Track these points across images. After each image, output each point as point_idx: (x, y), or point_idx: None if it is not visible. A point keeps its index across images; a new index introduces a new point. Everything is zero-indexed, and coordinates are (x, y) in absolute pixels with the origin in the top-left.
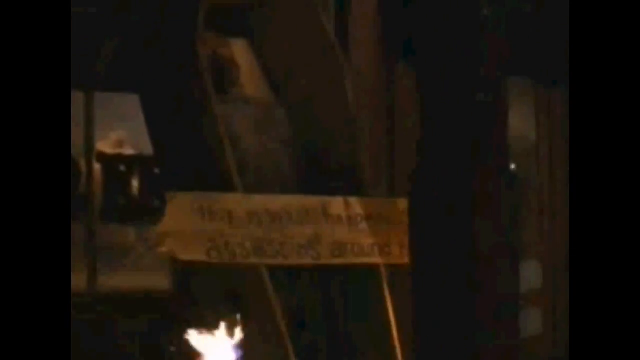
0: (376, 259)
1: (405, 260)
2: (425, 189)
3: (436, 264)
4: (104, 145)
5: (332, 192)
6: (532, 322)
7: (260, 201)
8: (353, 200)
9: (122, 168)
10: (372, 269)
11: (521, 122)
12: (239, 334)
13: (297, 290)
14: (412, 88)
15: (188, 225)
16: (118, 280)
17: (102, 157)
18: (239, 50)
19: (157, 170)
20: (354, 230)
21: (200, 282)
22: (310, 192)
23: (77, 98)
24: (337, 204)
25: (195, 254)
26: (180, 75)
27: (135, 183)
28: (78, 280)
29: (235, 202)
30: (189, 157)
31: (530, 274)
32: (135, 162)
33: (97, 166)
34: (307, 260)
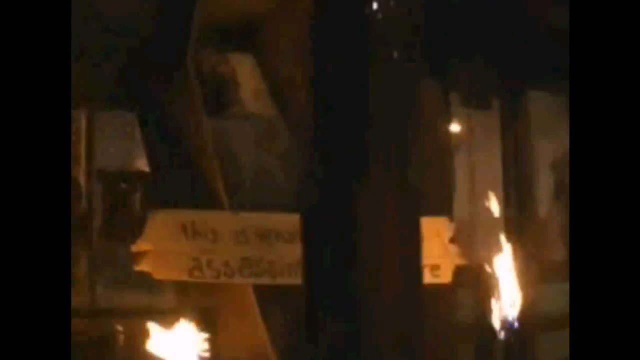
0: None
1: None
2: (316, 202)
3: (325, 282)
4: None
5: None
6: (559, 345)
7: (248, 219)
8: None
9: (124, 185)
10: None
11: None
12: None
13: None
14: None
15: (169, 244)
16: (119, 297)
17: (103, 175)
18: (244, 66)
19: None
20: None
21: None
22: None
23: (79, 116)
24: None
25: (175, 274)
26: (172, 93)
27: (137, 200)
28: (78, 298)
29: (221, 220)
30: (179, 176)
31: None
32: (137, 179)
33: (98, 183)
34: (297, 280)
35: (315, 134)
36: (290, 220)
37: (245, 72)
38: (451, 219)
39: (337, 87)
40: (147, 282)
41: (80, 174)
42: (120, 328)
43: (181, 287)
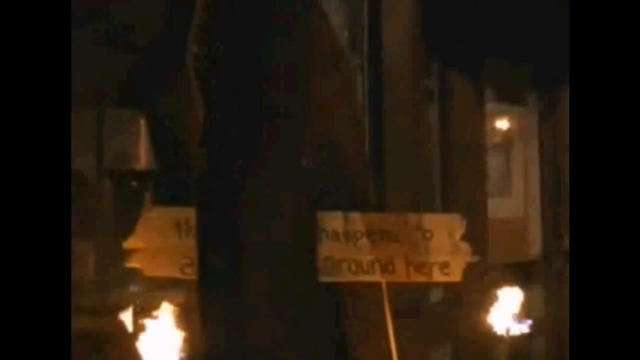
0: (376, 277)
1: (412, 278)
2: (210, 195)
3: (216, 279)
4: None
5: (334, 207)
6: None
7: None
8: (354, 216)
9: (134, 183)
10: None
11: None
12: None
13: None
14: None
15: (162, 241)
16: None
17: (113, 173)
18: None
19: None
20: (351, 247)
21: None
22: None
23: (88, 115)
24: (333, 219)
25: (167, 270)
26: (175, 90)
27: (147, 198)
28: (88, 296)
29: None
30: (180, 174)
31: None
32: (147, 177)
33: (108, 182)
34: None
35: (204, 128)
36: None
37: None
38: (463, 216)
39: (227, 79)
40: (158, 280)
41: (90, 172)
42: (129, 325)
43: (192, 285)
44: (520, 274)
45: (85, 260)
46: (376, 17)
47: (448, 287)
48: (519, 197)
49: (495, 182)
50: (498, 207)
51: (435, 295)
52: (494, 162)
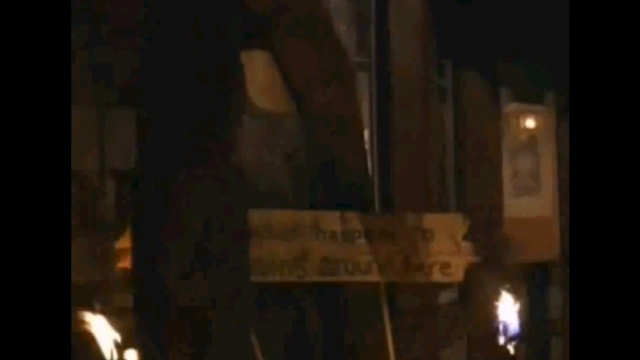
0: (373, 277)
1: (411, 278)
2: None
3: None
4: None
5: (334, 207)
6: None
7: None
8: (351, 215)
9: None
10: (370, 287)
11: None
12: None
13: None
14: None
15: None
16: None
17: (116, 174)
18: (254, 63)
19: None
20: (348, 247)
21: None
22: (310, 207)
23: (91, 115)
24: (331, 219)
25: None
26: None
27: None
28: (93, 297)
29: None
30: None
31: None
32: None
33: (110, 182)
34: (291, 278)
35: (138, 129)
36: (286, 217)
37: (255, 68)
38: (466, 216)
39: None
40: None
41: (92, 173)
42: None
43: None
44: (544, 274)
45: (85, 261)
46: (384, 14)
47: (461, 287)
48: (547, 196)
49: (523, 181)
50: (526, 207)
51: (448, 296)
52: (521, 161)
